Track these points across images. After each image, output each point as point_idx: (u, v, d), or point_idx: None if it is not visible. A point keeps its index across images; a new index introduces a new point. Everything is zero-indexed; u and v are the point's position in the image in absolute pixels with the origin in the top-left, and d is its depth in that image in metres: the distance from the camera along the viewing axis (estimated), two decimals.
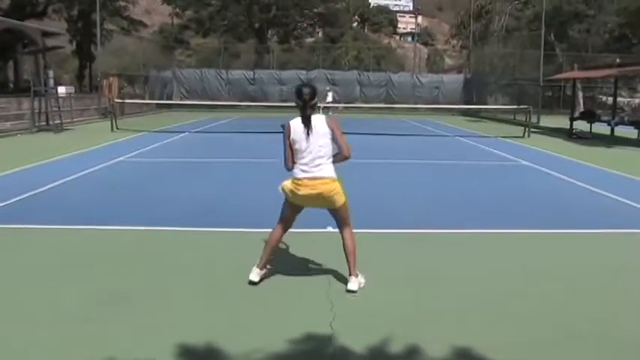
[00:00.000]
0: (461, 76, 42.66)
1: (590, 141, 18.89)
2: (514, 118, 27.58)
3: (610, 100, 26.65)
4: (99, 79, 29.54)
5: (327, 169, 4.63)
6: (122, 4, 42.88)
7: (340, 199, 4.69)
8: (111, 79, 29.72)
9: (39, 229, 6.71)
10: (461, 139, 19.71)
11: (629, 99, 34.14)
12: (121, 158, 12.91)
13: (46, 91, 20.53)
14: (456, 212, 8.00)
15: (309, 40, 59.15)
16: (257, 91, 37.70)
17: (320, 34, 62.53)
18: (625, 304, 4.62)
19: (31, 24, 29.78)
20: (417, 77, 40.45)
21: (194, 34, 54.54)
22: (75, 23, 40.97)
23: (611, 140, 18.75)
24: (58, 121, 20.35)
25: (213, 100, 35.02)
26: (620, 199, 8.83)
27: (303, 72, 39.27)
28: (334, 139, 4.68)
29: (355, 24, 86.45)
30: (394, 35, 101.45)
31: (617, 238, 6.84)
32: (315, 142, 4.59)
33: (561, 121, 23.80)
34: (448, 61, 79.61)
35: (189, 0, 49.57)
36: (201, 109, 33.08)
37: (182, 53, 53.64)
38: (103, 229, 6.73)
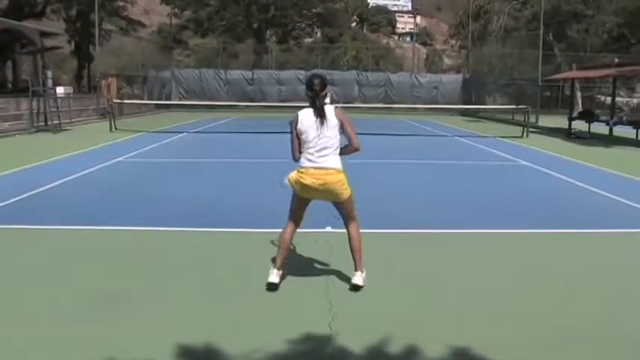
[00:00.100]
0: (459, 76, 42.64)
1: (589, 141, 18.90)
2: (512, 118, 27.59)
3: (608, 99, 26.70)
4: (97, 79, 29.51)
5: (333, 160, 4.60)
6: (121, 4, 42.83)
7: (346, 191, 4.67)
8: (109, 79, 29.70)
9: (38, 230, 6.71)
10: (459, 139, 19.73)
11: (627, 99, 34.19)
12: (120, 158, 12.90)
13: (44, 91, 20.50)
14: (455, 212, 8.00)
15: (308, 40, 59.12)
16: (256, 92, 37.66)
17: (318, 34, 62.50)
18: (625, 304, 4.62)
19: (30, 24, 29.79)
20: (415, 77, 40.40)
21: (193, 34, 54.48)
22: (73, 23, 40.92)
23: (610, 140, 18.77)
24: (57, 122, 20.33)
25: (211, 100, 34.96)
26: (619, 199, 8.84)
27: (302, 72, 39.17)
28: (343, 131, 4.66)
29: (354, 24, 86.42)
30: (393, 35, 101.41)
31: (616, 238, 6.85)
32: (323, 133, 4.57)
33: (560, 121, 23.82)
34: (447, 61, 79.63)
35: (187, 0, 49.54)
36: (200, 110, 33.06)
37: (181, 53, 53.58)
38: (102, 229, 6.73)
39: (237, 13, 49.37)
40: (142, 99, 33.27)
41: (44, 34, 26.32)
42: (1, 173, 10.54)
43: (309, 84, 4.64)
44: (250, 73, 39.14)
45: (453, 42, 59.51)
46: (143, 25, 47.39)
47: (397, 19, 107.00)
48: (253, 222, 7.09)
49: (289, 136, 4.73)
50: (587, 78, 28.23)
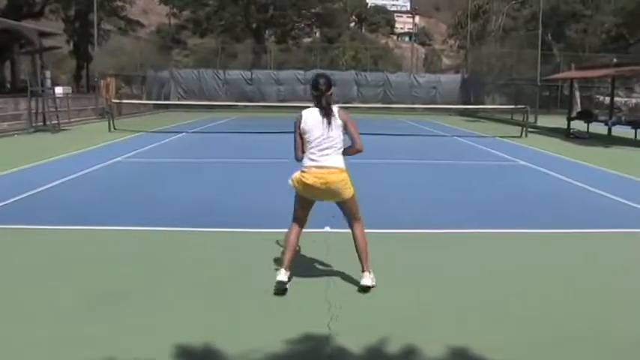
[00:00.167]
0: (458, 76, 42.64)
1: (588, 141, 18.92)
2: (511, 118, 27.60)
3: (607, 99, 26.71)
4: (96, 79, 29.47)
5: (336, 160, 4.58)
6: (119, 4, 42.77)
7: (348, 190, 4.64)
8: (108, 79, 29.67)
9: (37, 230, 6.69)
10: (458, 139, 19.73)
11: (626, 99, 34.18)
12: (119, 158, 12.89)
13: (43, 91, 20.49)
14: (454, 212, 8.00)
15: (307, 40, 59.11)
16: (254, 92, 37.65)
17: (317, 34, 62.47)
18: (625, 304, 4.62)
19: (28, 24, 29.76)
20: (414, 77, 40.41)
21: (191, 34, 54.43)
22: (72, 23, 40.88)
23: (609, 140, 18.77)
24: (55, 122, 20.31)
25: (210, 100, 34.94)
26: (618, 199, 8.84)
27: (301, 72, 39.22)
28: (346, 132, 4.64)
29: (353, 24, 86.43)
30: (391, 35, 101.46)
31: (616, 238, 6.85)
32: (328, 132, 4.55)
33: (558, 121, 23.82)
34: (445, 61, 79.67)
35: (186, 0, 49.51)
36: (199, 110, 33.05)
37: (179, 53, 53.58)
38: (101, 229, 6.72)
39: (235, 13, 49.35)
40: (140, 99, 33.26)
41: (43, 34, 26.28)
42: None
43: (315, 83, 4.63)
44: (249, 73, 39.13)
45: (451, 42, 59.49)
46: (142, 25, 47.37)
47: (396, 19, 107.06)
48: (252, 222, 7.08)
49: (292, 135, 4.71)
50: (586, 78, 28.24)
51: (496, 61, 39.79)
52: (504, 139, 19.18)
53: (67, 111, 22.90)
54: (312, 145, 4.57)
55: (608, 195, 9.14)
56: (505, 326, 4.13)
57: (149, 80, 35.72)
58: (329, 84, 4.64)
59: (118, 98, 27.43)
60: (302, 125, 4.60)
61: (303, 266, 5.32)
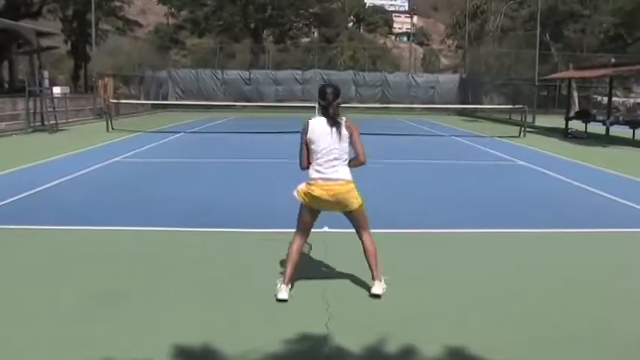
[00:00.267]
0: (456, 76, 42.65)
1: (586, 140, 18.94)
2: (510, 118, 27.63)
3: (605, 99, 26.75)
4: (94, 79, 29.42)
5: (342, 171, 4.52)
6: (117, 4, 42.72)
7: (356, 200, 4.58)
8: (106, 79, 29.63)
9: (35, 230, 6.68)
10: (457, 138, 19.74)
11: (623, 99, 34.17)
12: (117, 158, 12.87)
13: (41, 91, 20.46)
14: (454, 212, 8.00)
15: (305, 40, 59.07)
16: (252, 91, 37.66)
17: (315, 34, 62.45)
18: (624, 304, 4.61)
19: (26, 24, 29.64)
20: (412, 77, 40.43)
21: (189, 34, 54.41)
22: (70, 23, 40.83)
23: (607, 140, 18.79)
24: (53, 122, 20.28)
25: (208, 100, 34.94)
26: (617, 199, 8.84)
27: (299, 72, 39.24)
28: (352, 143, 4.57)
29: (351, 24, 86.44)
30: (390, 35, 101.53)
31: (616, 237, 6.85)
32: (334, 144, 4.49)
33: (557, 121, 23.83)
34: (444, 61, 79.71)
35: (184, 0, 49.48)
36: (197, 110, 33.02)
37: (177, 53, 53.51)
38: (99, 229, 6.71)
39: (234, 13, 49.32)
40: (138, 99, 33.22)
41: (41, 34, 26.18)
42: None
43: (322, 93, 4.54)
44: (247, 73, 39.14)
45: (449, 42, 59.44)
46: (140, 25, 47.33)
47: (394, 19, 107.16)
48: (251, 222, 7.07)
49: (291, 136, 4.68)
50: (584, 78, 28.23)
51: (494, 61, 39.80)
52: (502, 139, 19.18)
53: (65, 111, 22.87)
54: (319, 155, 4.50)
55: (607, 195, 9.15)
56: (505, 326, 4.12)
57: (147, 80, 35.70)
58: (336, 94, 4.55)
59: (116, 98, 27.38)
60: (309, 135, 4.53)
61: (302, 266, 5.29)
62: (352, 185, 4.57)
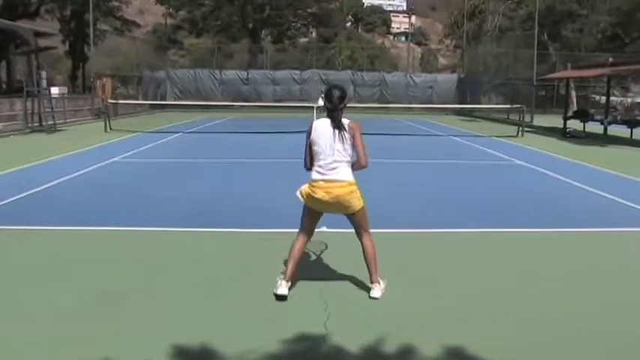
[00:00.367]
0: (454, 76, 42.69)
1: (584, 140, 18.96)
2: (508, 118, 27.65)
3: (603, 99, 26.74)
4: (92, 79, 29.41)
5: (344, 173, 4.50)
6: (115, 4, 42.71)
7: (357, 202, 4.57)
8: (104, 79, 29.59)
9: (34, 230, 6.67)
10: (455, 138, 19.74)
11: (621, 98, 34.20)
12: (115, 159, 12.85)
13: (38, 91, 20.41)
14: (453, 212, 8.00)
15: (303, 40, 59.03)
16: (251, 91, 37.67)
17: (314, 34, 62.43)
18: (624, 304, 4.62)
19: (24, 24, 29.63)
20: (410, 77, 40.45)
21: (187, 34, 54.35)
22: (68, 23, 40.80)
23: (605, 139, 18.81)
24: (51, 122, 20.25)
25: (206, 100, 34.95)
26: (616, 198, 8.85)
27: (297, 72, 39.26)
28: (354, 145, 4.55)
29: (349, 24, 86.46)
30: (388, 35, 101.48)
31: (616, 237, 6.85)
32: (337, 146, 4.48)
33: (555, 120, 23.87)
34: (442, 61, 79.71)
35: (182, 0, 49.44)
36: (195, 110, 33.00)
37: (175, 53, 53.47)
38: (98, 229, 6.71)
39: (232, 13, 49.30)
40: (136, 99, 33.22)
41: (38, 34, 26.17)
42: None
43: (329, 95, 4.52)
44: (245, 73, 39.14)
45: (447, 42, 59.42)
46: (138, 25, 47.27)
47: (392, 18, 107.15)
48: (250, 222, 7.06)
49: (291, 136, 4.68)
50: (582, 77, 28.27)
51: (492, 61, 39.79)
52: (501, 139, 19.19)
53: (63, 111, 22.82)
54: (321, 157, 4.50)
55: (606, 194, 9.15)
56: (505, 326, 4.12)
57: (145, 80, 35.69)
58: (343, 97, 4.54)
59: (114, 98, 27.34)
60: (312, 136, 4.54)
61: (301, 266, 5.30)
62: (354, 187, 4.56)
